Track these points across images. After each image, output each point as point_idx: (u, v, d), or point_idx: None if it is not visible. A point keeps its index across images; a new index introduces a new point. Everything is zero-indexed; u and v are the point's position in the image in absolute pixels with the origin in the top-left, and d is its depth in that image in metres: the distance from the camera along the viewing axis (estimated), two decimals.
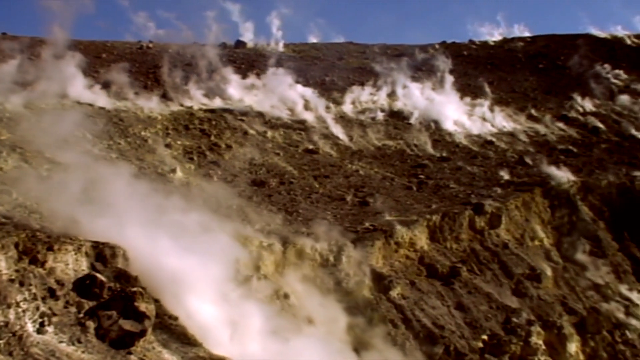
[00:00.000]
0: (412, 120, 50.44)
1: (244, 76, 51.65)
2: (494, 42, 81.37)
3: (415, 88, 54.59)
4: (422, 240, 30.19)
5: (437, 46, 74.55)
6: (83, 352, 12.91)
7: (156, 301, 15.08)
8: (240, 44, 66.29)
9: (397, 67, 57.99)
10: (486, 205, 33.24)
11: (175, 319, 15.50)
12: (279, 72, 53.41)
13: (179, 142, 37.58)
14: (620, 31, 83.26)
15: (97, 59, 48.79)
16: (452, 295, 28.21)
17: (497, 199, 34.57)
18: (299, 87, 50.78)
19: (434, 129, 49.67)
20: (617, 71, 67.01)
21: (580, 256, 34.44)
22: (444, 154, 44.69)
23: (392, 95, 54.33)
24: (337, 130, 45.78)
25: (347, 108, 50.65)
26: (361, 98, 53.20)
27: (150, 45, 58.90)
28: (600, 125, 53.57)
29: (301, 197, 32.95)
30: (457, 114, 52.88)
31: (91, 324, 13.58)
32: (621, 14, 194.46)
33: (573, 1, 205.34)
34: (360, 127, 47.57)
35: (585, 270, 33.62)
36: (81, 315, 13.74)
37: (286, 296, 23.26)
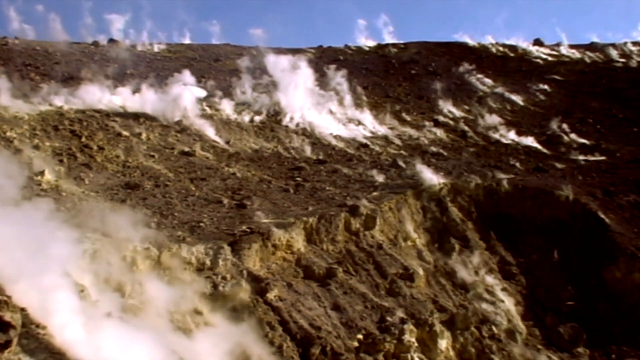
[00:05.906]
0: (289, 123, 50.81)
1: (118, 75, 50.42)
2: (369, 47, 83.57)
3: (292, 91, 54.89)
4: (299, 242, 30.34)
5: (313, 50, 75.63)
6: None
7: (22, 310, 14.40)
8: (112, 42, 64.72)
9: (274, 70, 58.20)
10: (361, 207, 33.77)
11: (44, 328, 14.83)
12: (153, 72, 52.51)
13: (47, 144, 36.12)
14: (487, 40, 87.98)
15: None
16: (329, 296, 28.46)
17: (372, 201, 35.18)
18: (175, 88, 50.04)
19: (310, 132, 50.23)
20: (484, 78, 70.32)
21: (450, 255, 35.59)
22: (320, 157, 45.19)
23: (269, 97, 54.45)
24: (214, 133, 45.43)
25: (224, 110, 50.35)
26: (238, 100, 53.06)
27: (17, 41, 56.47)
28: (469, 129, 55.90)
29: (177, 200, 32.40)
30: (332, 117, 53.74)
31: None
32: (470, 11, 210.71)
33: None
34: (237, 130, 47.41)
35: (455, 269, 34.76)
36: None
37: (162, 301, 22.78)
